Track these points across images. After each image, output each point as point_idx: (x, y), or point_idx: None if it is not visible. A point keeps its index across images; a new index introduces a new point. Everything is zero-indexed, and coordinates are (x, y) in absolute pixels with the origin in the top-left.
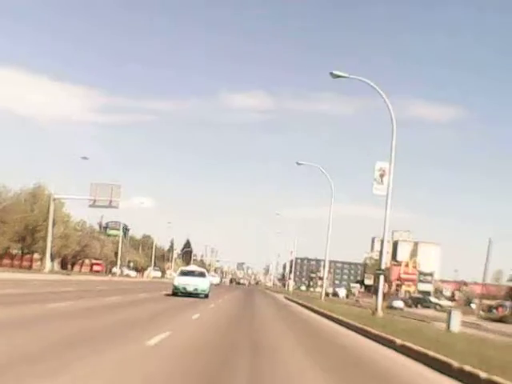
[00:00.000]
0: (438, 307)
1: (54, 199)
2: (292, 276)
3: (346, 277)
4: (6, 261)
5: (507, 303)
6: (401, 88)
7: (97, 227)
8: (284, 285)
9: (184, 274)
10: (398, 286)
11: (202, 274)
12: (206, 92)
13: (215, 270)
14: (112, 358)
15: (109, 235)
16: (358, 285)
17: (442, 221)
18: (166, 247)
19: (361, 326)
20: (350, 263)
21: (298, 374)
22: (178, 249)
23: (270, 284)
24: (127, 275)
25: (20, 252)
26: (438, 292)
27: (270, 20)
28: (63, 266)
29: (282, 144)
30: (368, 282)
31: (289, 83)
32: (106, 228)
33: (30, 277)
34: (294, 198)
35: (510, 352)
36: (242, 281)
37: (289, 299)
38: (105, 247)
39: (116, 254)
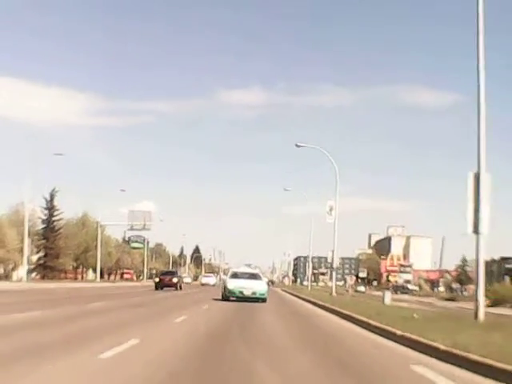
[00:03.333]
0: (414, 292)
1: (101, 226)
2: (290, 273)
3: (347, 271)
4: (64, 275)
5: (456, 286)
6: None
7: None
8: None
9: (238, 276)
10: (387, 276)
11: (257, 276)
12: (204, 90)
13: (224, 272)
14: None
15: (133, 248)
16: (349, 277)
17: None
18: (176, 253)
19: (316, 301)
20: (349, 258)
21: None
22: (187, 253)
23: (284, 282)
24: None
25: (74, 267)
26: (421, 279)
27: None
28: (102, 276)
29: (284, 139)
30: (362, 274)
31: (283, 77)
32: (128, 241)
33: (96, 285)
34: (296, 195)
35: (394, 311)
36: None
37: (284, 290)
38: (134, 259)
39: (140, 263)
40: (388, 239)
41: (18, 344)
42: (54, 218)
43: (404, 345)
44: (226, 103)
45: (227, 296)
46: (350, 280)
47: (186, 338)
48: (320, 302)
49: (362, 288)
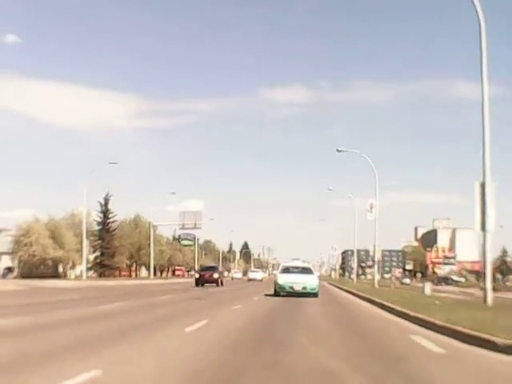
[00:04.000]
0: (458, 283)
1: (153, 226)
2: (337, 267)
3: (394, 264)
4: (119, 272)
5: (498, 276)
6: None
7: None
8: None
9: (288, 270)
10: (432, 268)
11: (309, 270)
12: (246, 89)
13: (273, 267)
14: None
15: (183, 245)
16: (394, 269)
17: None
18: (225, 249)
19: (357, 292)
20: (396, 251)
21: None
22: (236, 249)
23: (331, 275)
24: None
25: (128, 265)
26: (464, 271)
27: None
28: (154, 273)
29: (326, 136)
30: (408, 267)
31: (326, 75)
32: (179, 239)
33: (151, 282)
34: (341, 188)
35: (424, 299)
36: None
37: (330, 283)
38: (186, 256)
39: (191, 259)
40: (434, 232)
41: (124, 324)
42: (108, 220)
43: (414, 323)
44: (269, 102)
45: (278, 292)
46: (395, 273)
47: (242, 319)
48: (358, 293)
49: (407, 280)
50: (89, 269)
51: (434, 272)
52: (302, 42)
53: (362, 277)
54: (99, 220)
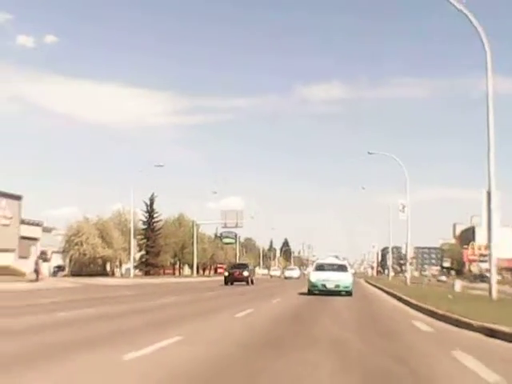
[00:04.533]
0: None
1: (197, 224)
2: (374, 264)
3: (433, 261)
4: (163, 270)
5: None
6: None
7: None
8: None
9: (322, 268)
10: (469, 265)
11: (343, 268)
12: (283, 86)
13: (312, 264)
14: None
15: (225, 243)
16: (435, 267)
17: None
18: (265, 246)
19: (385, 288)
20: (434, 248)
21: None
22: (276, 247)
23: (368, 272)
24: None
25: (172, 263)
26: (501, 268)
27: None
28: (197, 271)
29: (363, 133)
30: (445, 264)
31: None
32: (220, 237)
33: (196, 279)
34: (380, 186)
35: (444, 294)
36: None
37: (366, 281)
38: (227, 254)
39: (233, 257)
40: (472, 229)
41: (184, 312)
42: (153, 220)
43: (422, 312)
44: (305, 99)
45: (310, 290)
46: (431, 270)
47: (278, 309)
48: (386, 289)
49: (443, 278)
50: (134, 267)
51: (470, 270)
52: (338, 40)
53: (401, 274)
54: (144, 220)
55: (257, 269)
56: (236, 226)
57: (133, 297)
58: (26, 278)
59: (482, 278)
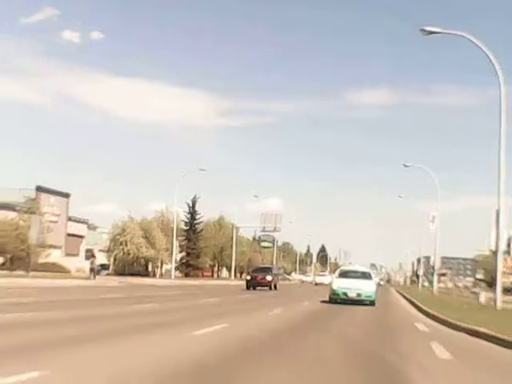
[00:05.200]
0: None
1: (236, 228)
2: (409, 273)
3: (469, 272)
4: (201, 272)
5: None
6: None
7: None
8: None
9: (345, 275)
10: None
11: (367, 275)
12: (329, 90)
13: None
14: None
15: (262, 247)
16: (470, 279)
17: None
18: (303, 251)
19: (408, 296)
20: (469, 259)
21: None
22: (313, 252)
23: (401, 281)
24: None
25: (210, 266)
26: None
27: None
28: (235, 274)
29: (404, 142)
30: (479, 276)
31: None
32: (258, 240)
33: (233, 283)
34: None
35: (461, 304)
36: (381, 282)
37: (396, 290)
38: (265, 258)
39: (270, 261)
40: (509, 239)
41: (228, 310)
42: (195, 221)
43: (429, 317)
44: (351, 103)
45: (332, 298)
46: (463, 281)
47: (305, 310)
48: (408, 296)
49: (476, 289)
50: (176, 268)
51: (505, 281)
52: (389, 45)
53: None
54: (186, 221)
55: (293, 274)
56: (274, 230)
57: (180, 296)
58: (72, 274)
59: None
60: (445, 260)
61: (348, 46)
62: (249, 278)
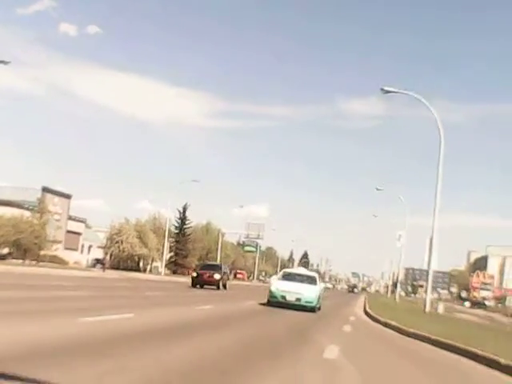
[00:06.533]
0: (488, 308)
1: (222, 234)
2: (384, 282)
3: (446, 285)
4: (187, 271)
5: None
6: None
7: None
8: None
9: (287, 277)
10: (473, 292)
11: (311, 280)
12: (323, 98)
13: (330, 278)
14: None
15: (246, 251)
16: (443, 291)
17: None
18: (285, 256)
19: (365, 302)
20: (444, 273)
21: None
22: (296, 258)
23: (381, 290)
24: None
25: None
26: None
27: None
28: None
29: (395, 151)
30: (453, 289)
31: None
32: (242, 245)
33: None
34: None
35: (412, 312)
36: (355, 290)
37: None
38: (247, 262)
39: (252, 264)
40: (485, 258)
41: (213, 299)
42: (185, 226)
43: (366, 315)
44: (344, 112)
45: (270, 300)
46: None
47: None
48: (366, 301)
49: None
50: (164, 266)
51: (475, 296)
52: (383, 57)
53: (412, 295)
54: (177, 225)
55: (273, 277)
56: (258, 238)
57: (174, 288)
58: (71, 266)
59: (479, 304)
60: (424, 272)
61: (343, 55)
62: (195, 275)
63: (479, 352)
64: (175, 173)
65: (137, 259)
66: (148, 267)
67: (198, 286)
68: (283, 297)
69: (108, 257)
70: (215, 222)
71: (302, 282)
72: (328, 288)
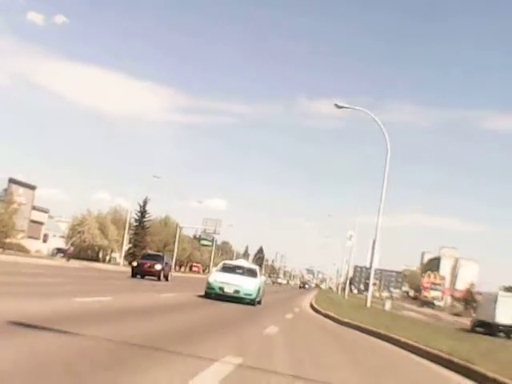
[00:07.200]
0: (437, 307)
1: (180, 227)
2: (336, 280)
3: (399, 284)
4: None
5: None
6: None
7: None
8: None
9: (226, 269)
10: (423, 291)
11: (251, 272)
12: (286, 98)
13: (284, 274)
14: None
15: (202, 245)
16: (396, 290)
17: None
18: (241, 251)
19: (313, 297)
20: (397, 272)
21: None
22: (252, 254)
23: (334, 287)
24: None
25: None
26: (449, 297)
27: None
28: (175, 267)
29: (356, 153)
30: (404, 288)
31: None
32: (199, 238)
33: (175, 274)
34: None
35: (356, 308)
36: (306, 286)
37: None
38: (203, 255)
39: (208, 258)
40: (438, 259)
41: (166, 288)
42: (144, 219)
43: (311, 308)
44: (306, 112)
45: (208, 293)
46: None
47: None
48: (315, 296)
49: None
50: (124, 257)
51: (426, 295)
52: (349, 59)
53: (365, 292)
54: (137, 218)
55: None
56: (214, 233)
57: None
58: (33, 254)
59: (428, 303)
60: (377, 271)
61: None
62: (135, 264)
63: (393, 336)
64: (136, 166)
65: (97, 250)
66: (107, 258)
67: (138, 276)
68: (221, 288)
69: (69, 245)
70: (174, 216)
71: (241, 274)
72: (281, 284)
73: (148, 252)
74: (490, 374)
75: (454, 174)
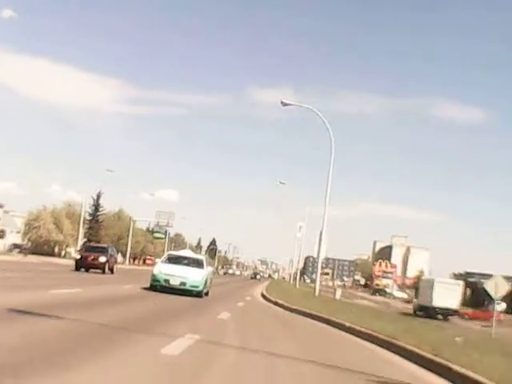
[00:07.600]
0: (388, 295)
1: (134, 221)
2: (290, 271)
3: (352, 273)
4: None
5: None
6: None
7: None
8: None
9: (171, 260)
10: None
11: (197, 263)
12: (235, 88)
13: (237, 265)
14: None
15: (155, 238)
16: (348, 279)
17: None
18: (193, 243)
19: (264, 286)
20: (350, 261)
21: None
22: (204, 245)
23: (286, 277)
24: None
25: None
26: (402, 285)
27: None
28: (129, 260)
29: (308, 143)
30: (357, 277)
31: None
32: (152, 231)
33: (128, 267)
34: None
35: (309, 296)
36: (258, 276)
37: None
38: (156, 248)
39: (161, 251)
40: (390, 247)
41: (125, 280)
42: (98, 213)
43: (262, 297)
44: (255, 102)
45: (153, 285)
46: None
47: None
48: (266, 287)
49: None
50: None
51: (378, 284)
52: (298, 47)
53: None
54: (91, 212)
55: None
56: (167, 225)
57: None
58: None
59: (380, 291)
60: (330, 261)
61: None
62: (78, 257)
63: (333, 319)
64: (88, 158)
65: (53, 244)
66: (62, 252)
67: (82, 269)
68: (167, 280)
69: (26, 241)
70: (127, 209)
71: (187, 265)
72: (233, 274)
73: (91, 244)
74: (408, 347)
75: (406, 162)
